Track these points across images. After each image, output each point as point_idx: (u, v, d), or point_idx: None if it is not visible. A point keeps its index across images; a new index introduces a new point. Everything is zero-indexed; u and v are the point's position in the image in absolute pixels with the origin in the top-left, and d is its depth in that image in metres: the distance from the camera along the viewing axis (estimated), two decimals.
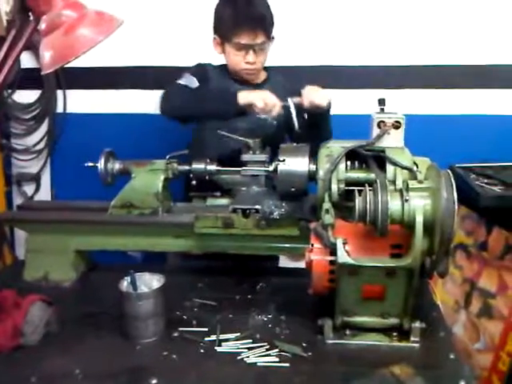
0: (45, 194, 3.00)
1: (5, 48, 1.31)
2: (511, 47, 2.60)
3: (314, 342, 1.38)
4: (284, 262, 2.06)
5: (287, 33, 2.61)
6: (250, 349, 1.35)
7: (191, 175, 1.74)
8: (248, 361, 1.31)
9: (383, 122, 1.47)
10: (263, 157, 1.72)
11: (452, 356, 1.32)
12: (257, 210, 1.62)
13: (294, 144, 1.64)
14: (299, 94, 1.83)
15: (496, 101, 2.66)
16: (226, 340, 1.39)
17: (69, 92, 2.89)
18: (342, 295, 1.35)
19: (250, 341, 1.38)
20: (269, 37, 1.99)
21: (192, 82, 1.96)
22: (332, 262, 1.33)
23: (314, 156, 1.56)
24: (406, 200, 1.25)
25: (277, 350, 1.34)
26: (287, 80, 2.16)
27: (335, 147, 1.48)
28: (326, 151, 1.49)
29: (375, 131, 1.48)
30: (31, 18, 1.26)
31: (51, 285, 1.72)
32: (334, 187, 1.44)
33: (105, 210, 1.74)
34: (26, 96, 2.90)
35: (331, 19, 2.62)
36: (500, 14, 2.57)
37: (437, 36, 2.60)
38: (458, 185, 1.22)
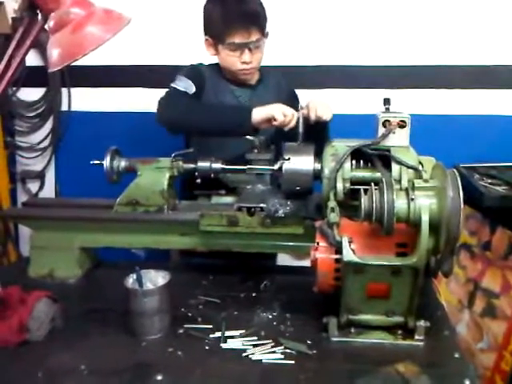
0: (49, 191, 3.01)
1: (12, 46, 1.31)
2: None
3: (318, 339, 1.38)
4: (285, 260, 2.06)
5: (292, 32, 2.62)
6: (255, 346, 1.35)
7: (196, 174, 1.74)
8: (253, 358, 1.31)
9: (388, 121, 1.48)
10: (268, 155, 1.72)
11: (457, 355, 1.32)
12: (262, 209, 1.62)
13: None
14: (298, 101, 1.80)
15: (500, 101, 2.66)
16: (231, 337, 1.39)
17: (73, 90, 2.89)
18: (347, 293, 1.35)
19: (255, 338, 1.39)
20: (263, 33, 1.92)
21: (189, 86, 1.89)
22: (337, 261, 1.33)
23: (317, 155, 1.56)
24: (412, 199, 1.25)
25: (282, 347, 1.34)
26: (283, 78, 2.13)
27: (340, 146, 1.49)
28: (331, 150, 1.50)
29: (380, 130, 1.49)
30: (39, 15, 1.27)
31: (56, 281, 1.73)
32: (340, 186, 1.44)
33: (110, 207, 1.75)
34: (30, 94, 2.90)
35: (336, 18, 2.62)
36: (506, 14, 2.56)
37: (442, 36, 2.59)
38: (462, 185, 1.22)
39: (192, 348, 1.36)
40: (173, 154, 1.74)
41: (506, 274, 2.24)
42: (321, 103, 1.77)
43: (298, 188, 1.58)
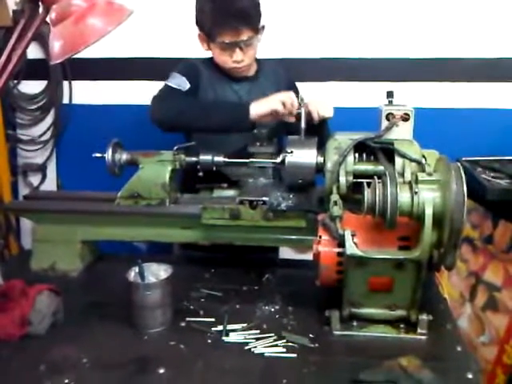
0: (50, 184, 3.00)
1: (13, 38, 1.30)
2: None
3: (321, 333, 1.38)
4: (286, 254, 2.06)
5: (294, 25, 2.61)
6: (257, 339, 1.35)
7: (198, 167, 1.73)
8: (255, 351, 1.31)
9: (392, 114, 1.47)
10: (271, 148, 1.71)
11: (459, 348, 1.33)
12: (264, 202, 1.62)
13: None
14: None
15: (503, 94, 2.65)
16: (234, 330, 1.40)
17: (75, 83, 2.88)
18: (350, 287, 1.35)
19: (258, 331, 1.39)
20: (256, 30, 1.86)
21: (183, 82, 1.87)
22: (340, 254, 1.33)
23: (319, 149, 1.56)
24: (416, 192, 1.24)
25: (284, 340, 1.35)
26: (281, 68, 2.11)
27: (343, 139, 1.48)
28: (334, 143, 1.49)
29: (384, 123, 1.48)
30: (40, 7, 1.26)
31: (58, 274, 1.73)
32: (342, 179, 1.44)
33: (112, 200, 1.74)
34: (31, 86, 2.89)
35: (339, 11, 2.61)
36: (511, 7, 2.55)
37: (445, 29, 2.58)
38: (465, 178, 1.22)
39: (194, 341, 1.36)
40: (175, 147, 1.73)
41: (508, 268, 2.24)
42: (321, 102, 1.76)
43: (300, 181, 1.57)
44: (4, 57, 1.30)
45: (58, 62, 1.21)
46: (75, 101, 2.90)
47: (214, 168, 1.72)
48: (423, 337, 1.36)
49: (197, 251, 1.89)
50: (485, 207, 2.39)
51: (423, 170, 1.36)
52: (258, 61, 2.03)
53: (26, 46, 1.29)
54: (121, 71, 2.78)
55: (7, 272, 1.49)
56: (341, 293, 1.37)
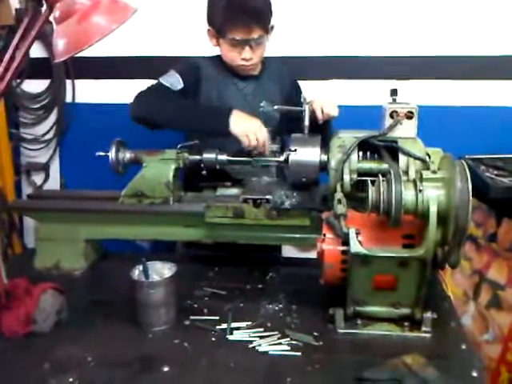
0: (54, 183, 3.00)
1: (17, 37, 1.30)
2: None
3: (325, 331, 1.38)
4: (289, 253, 2.06)
5: (297, 22, 2.60)
6: (261, 337, 1.35)
7: (202, 165, 1.73)
8: (259, 349, 1.31)
9: (396, 112, 1.47)
10: (274, 147, 1.71)
11: (464, 346, 1.32)
12: (268, 200, 1.62)
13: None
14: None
15: (507, 92, 2.64)
16: (238, 328, 1.40)
17: (77, 82, 2.88)
18: (354, 285, 1.35)
19: (262, 329, 1.39)
20: (266, 30, 1.86)
21: (175, 82, 1.85)
22: (344, 252, 1.33)
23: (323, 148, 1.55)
24: (420, 190, 1.24)
25: (288, 338, 1.35)
26: (285, 67, 2.11)
27: (347, 137, 1.48)
28: (338, 141, 1.49)
29: (387, 121, 1.48)
30: (44, 5, 1.26)
31: (62, 273, 1.73)
32: (347, 177, 1.44)
33: (115, 199, 1.74)
34: (34, 85, 2.89)
35: (343, 8, 2.60)
36: None
37: (449, 26, 2.57)
38: None
39: (198, 340, 1.36)
40: (178, 146, 1.73)
41: (511, 266, 2.23)
42: (326, 101, 1.75)
43: (304, 179, 1.57)
44: (7, 56, 1.30)
45: (62, 60, 1.20)
46: (78, 100, 2.90)
47: (218, 166, 1.72)
48: (427, 335, 1.36)
49: (200, 250, 1.89)
50: (488, 205, 2.38)
51: (427, 168, 1.36)
52: (263, 60, 2.02)
53: (30, 45, 1.29)
54: (124, 70, 2.78)
55: (11, 271, 1.49)
56: (345, 291, 1.36)
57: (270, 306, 1.52)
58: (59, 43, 1.19)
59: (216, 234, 1.72)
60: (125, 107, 2.81)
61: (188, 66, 1.95)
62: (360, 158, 1.48)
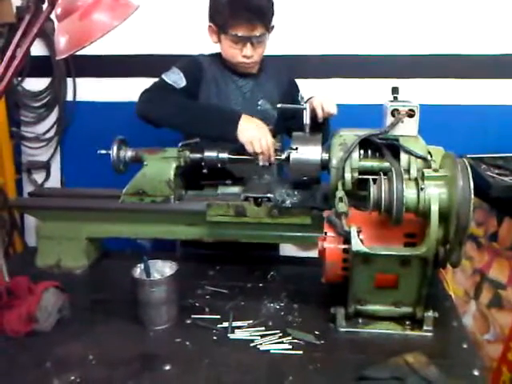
0: (55, 181, 3.01)
1: (18, 35, 1.30)
2: None
3: (326, 330, 1.38)
4: (287, 251, 2.06)
5: (298, 21, 2.60)
6: (262, 336, 1.35)
7: (203, 163, 1.73)
8: (261, 348, 1.31)
9: (397, 110, 1.47)
10: (275, 145, 1.71)
11: (465, 345, 1.32)
12: (269, 199, 1.62)
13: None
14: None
15: (507, 91, 2.64)
16: (239, 327, 1.40)
17: (78, 80, 2.88)
18: (355, 284, 1.35)
19: (263, 328, 1.39)
20: (268, 28, 1.88)
21: (179, 79, 1.85)
22: (345, 251, 1.33)
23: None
24: (422, 188, 1.24)
25: (289, 337, 1.34)
26: (283, 66, 2.11)
27: (348, 136, 1.48)
28: (339, 140, 1.49)
29: (389, 120, 1.48)
30: (45, 3, 1.26)
31: (63, 272, 1.73)
32: (348, 176, 1.44)
33: (116, 197, 1.74)
34: (35, 84, 2.89)
35: (343, 7, 2.60)
36: None
37: (451, 25, 2.57)
38: None
39: (200, 338, 1.36)
40: (179, 144, 1.73)
41: None
42: (325, 99, 1.75)
43: (305, 178, 1.57)
44: (8, 53, 1.30)
45: (64, 57, 1.20)
46: (79, 98, 2.90)
47: (219, 165, 1.72)
48: (429, 334, 1.36)
49: (199, 249, 1.89)
50: (489, 204, 2.38)
51: (429, 167, 1.35)
52: (261, 59, 2.02)
53: (31, 43, 1.29)
54: (125, 68, 2.78)
55: (12, 269, 1.49)
56: (346, 290, 1.36)
57: (272, 304, 1.52)
58: (61, 40, 1.20)
59: (217, 232, 1.71)
60: (126, 105, 2.82)
61: (190, 63, 1.96)
62: (361, 157, 1.47)
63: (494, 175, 2.32)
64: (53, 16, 1.26)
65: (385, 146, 1.46)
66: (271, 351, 1.30)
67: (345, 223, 1.31)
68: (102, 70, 2.82)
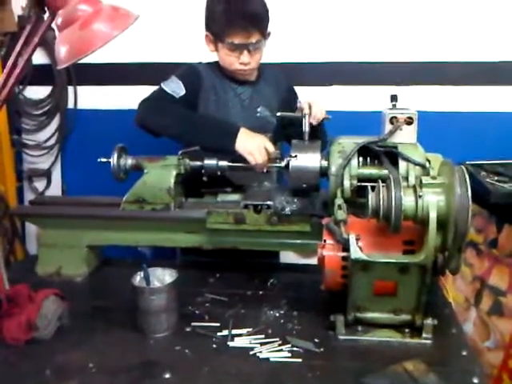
0: (55, 189, 3.01)
1: (19, 44, 1.32)
2: None
3: (326, 337, 1.38)
4: (287, 259, 2.06)
5: (296, 29, 2.62)
6: (262, 344, 1.35)
7: (203, 171, 1.74)
8: (260, 356, 1.31)
9: (396, 117, 1.48)
10: (275, 153, 1.72)
11: (464, 353, 1.32)
12: (268, 206, 1.63)
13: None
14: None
15: (507, 98, 2.65)
16: (239, 335, 1.40)
17: (79, 88, 2.89)
18: (354, 291, 1.35)
19: (263, 336, 1.39)
20: (264, 35, 1.88)
21: (178, 88, 1.86)
22: (344, 258, 1.33)
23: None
24: (420, 196, 1.24)
25: (289, 345, 1.34)
26: (281, 73, 2.12)
27: (347, 143, 1.49)
28: (338, 147, 1.50)
29: (387, 127, 1.48)
30: (46, 13, 1.27)
31: (64, 279, 1.73)
32: (347, 183, 1.44)
33: (117, 205, 1.75)
34: (36, 92, 2.91)
35: (342, 15, 2.61)
36: None
37: (449, 33, 2.58)
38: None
39: (199, 346, 1.36)
40: (179, 152, 1.74)
41: None
42: (314, 101, 1.74)
43: (304, 185, 1.57)
44: (10, 62, 1.31)
45: (65, 66, 1.21)
46: (80, 106, 2.91)
47: (219, 172, 1.72)
48: (428, 341, 1.36)
49: (199, 256, 1.89)
50: (489, 211, 2.38)
51: (427, 174, 1.36)
52: (259, 66, 2.03)
53: (32, 52, 1.30)
54: (125, 76, 2.80)
55: (13, 277, 1.49)
56: (345, 297, 1.37)
57: (271, 312, 1.52)
58: (61, 50, 1.20)
59: (217, 239, 1.72)
60: (126, 113, 2.82)
61: (188, 72, 1.96)
62: (360, 164, 1.48)
63: (494, 182, 2.33)
64: (54, 25, 1.28)
65: (383, 154, 1.46)
66: (271, 359, 1.30)
67: (344, 230, 1.31)
68: (102, 78, 2.83)
